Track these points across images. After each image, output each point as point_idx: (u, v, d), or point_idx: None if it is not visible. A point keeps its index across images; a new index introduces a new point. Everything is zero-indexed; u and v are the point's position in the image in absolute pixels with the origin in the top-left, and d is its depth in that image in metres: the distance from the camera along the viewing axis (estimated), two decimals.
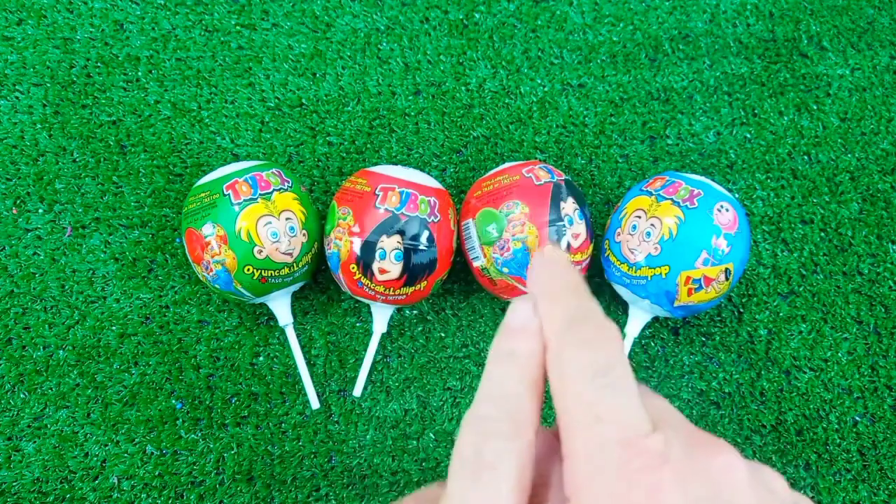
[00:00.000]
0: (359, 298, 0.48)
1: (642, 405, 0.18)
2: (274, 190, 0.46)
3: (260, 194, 0.45)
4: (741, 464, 0.18)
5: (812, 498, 0.49)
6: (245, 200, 0.45)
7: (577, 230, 0.46)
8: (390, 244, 0.45)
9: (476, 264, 0.48)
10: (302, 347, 0.52)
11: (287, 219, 0.46)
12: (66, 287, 0.52)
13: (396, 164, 0.54)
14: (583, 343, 0.19)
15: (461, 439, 0.19)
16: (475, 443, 0.19)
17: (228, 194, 0.45)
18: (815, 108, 0.57)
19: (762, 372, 0.51)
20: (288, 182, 0.47)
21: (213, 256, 0.45)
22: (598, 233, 0.53)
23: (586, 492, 0.17)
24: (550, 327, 0.20)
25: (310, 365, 0.51)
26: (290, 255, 0.46)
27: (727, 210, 0.45)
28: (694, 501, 0.16)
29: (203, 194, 0.46)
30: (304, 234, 0.47)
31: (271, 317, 0.52)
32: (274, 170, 0.48)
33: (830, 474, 0.50)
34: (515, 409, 0.19)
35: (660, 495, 0.16)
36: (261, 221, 0.45)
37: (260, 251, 0.45)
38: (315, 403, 0.50)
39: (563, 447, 0.18)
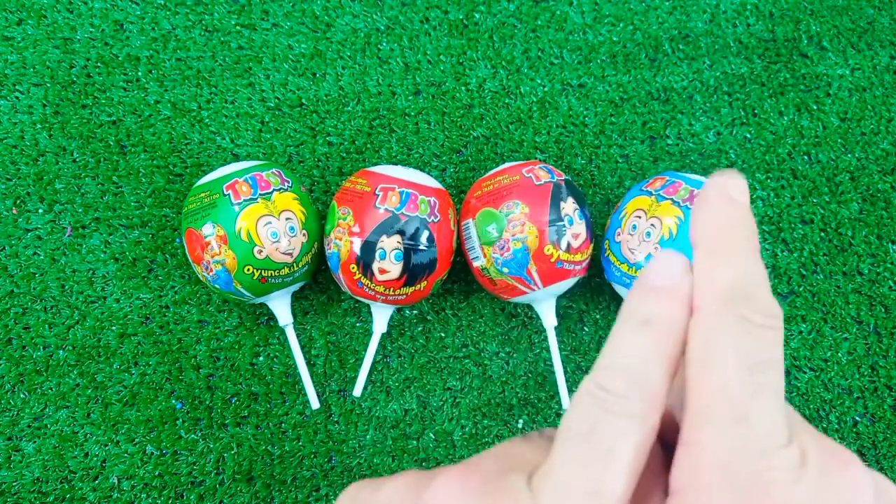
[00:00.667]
0: (359, 298, 0.48)
1: (786, 415, 0.16)
2: (274, 190, 0.46)
3: (260, 194, 0.45)
4: (869, 479, 0.16)
5: None
6: (245, 200, 0.45)
7: (577, 230, 0.46)
8: (390, 244, 0.45)
9: (476, 264, 0.48)
10: (302, 347, 0.52)
11: (287, 219, 0.46)
12: (66, 287, 0.52)
13: (396, 164, 0.54)
14: (747, 325, 0.16)
15: (577, 408, 0.17)
16: (593, 417, 0.16)
17: (228, 194, 0.45)
18: (815, 108, 0.57)
19: None
20: (288, 182, 0.47)
21: (213, 256, 0.45)
22: (598, 233, 0.53)
23: (706, 493, 0.15)
24: (710, 291, 0.16)
25: (310, 365, 0.51)
26: (290, 255, 0.46)
27: None
28: None
29: (203, 194, 0.46)
30: (304, 234, 0.47)
31: (271, 317, 0.52)
32: (274, 170, 0.48)
33: None
34: (647, 388, 0.16)
35: None
36: (261, 221, 0.45)
37: (260, 251, 0.45)
38: (315, 403, 0.50)
39: (683, 433, 0.16)
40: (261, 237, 0.45)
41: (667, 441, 0.19)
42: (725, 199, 0.17)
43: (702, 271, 0.17)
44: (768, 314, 0.16)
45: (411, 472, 0.19)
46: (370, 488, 0.19)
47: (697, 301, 0.17)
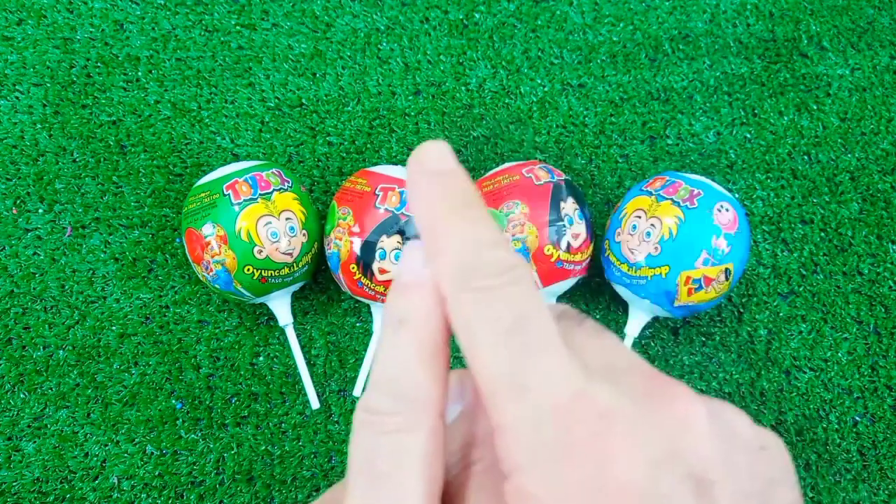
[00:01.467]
0: (359, 298, 0.48)
1: (571, 356, 0.15)
2: (274, 190, 0.46)
3: (260, 194, 0.45)
4: (701, 409, 0.15)
5: (812, 498, 0.49)
6: (245, 200, 0.45)
7: (577, 230, 0.46)
8: (390, 244, 0.45)
9: None
10: (302, 347, 0.52)
11: (287, 219, 0.46)
12: (66, 287, 0.52)
13: (396, 164, 0.54)
14: (485, 293, 0.15)
15: (353, 440, 0.16)
16: (368, 444, 0.16)
17: (228, 194, 0.45)
18: (815, 108, 0.57)
19: (762, 372, 0.51)
20: (288, 182, 0.47)
21: (213, 256, 0.45)
22: (598, 233, 0.53)
23: (527, 473, 0.14)
24: (442, 275, 0.16)
25: (310, 365, 0.51)
26: (290, 255, 0.46)
27: (727, 210, 0.45)
28: (650, 462, 0.14)
29: (203, 194, 0.46)
30: (304, 234, 0.47)
31: (271, 317, 0.52)
32: (274, 170, 0.48)
33: (830, 474, 0.50)
34: (410, 393, 0.16)
35: (610, 462, 0.14)
36: (261, 221, 0.45)
37: (260, 251, 0.45)
38: (315, 403, 0.50)
39: (491, 418, 0.15)
40: (261, 237, 0.45)
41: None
42: (423, 176, 0.16)
43: (430, 253, 0.16)
44: (500, 272, 0.15)
45: None
46: None
47: (441, 288, 0.16)
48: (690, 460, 0.15)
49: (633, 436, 0.14)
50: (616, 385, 0.15)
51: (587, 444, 0.14)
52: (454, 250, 0.16)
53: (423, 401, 0.16)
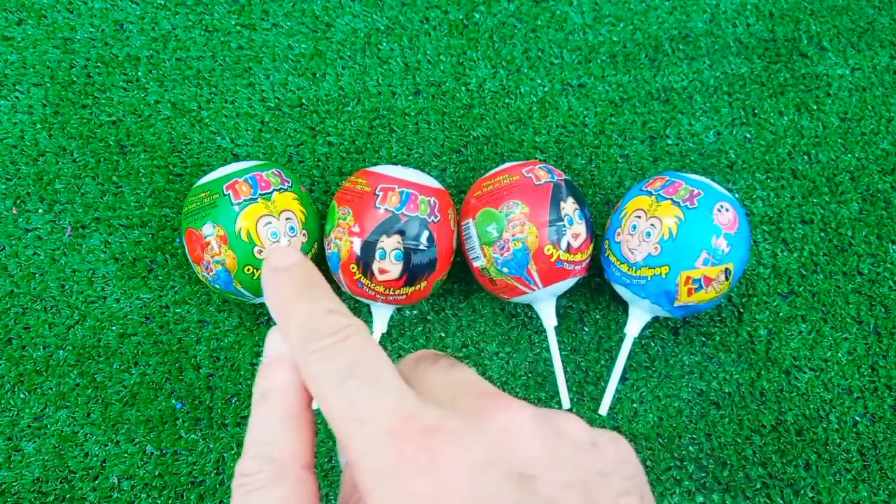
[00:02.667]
0: (359, 298, 0.48)
1: (403, 387, 0.17)
2: (274, 190, 0.46)
3: (260, 194, 0.45)
4: (524, 415, 0.17)
5: (812, 498, 0.49)
6: (245, 200, 0.45)
7: (577, 230, 0.46)
8: (390, 244, 0.45)
9: (476, 264, 0.48)
10: None
11: (287, 219, 0.46)
12: (66, 287, 0.52)
13: (396, 164, 0.54)
14: (322, 353, 0.18)
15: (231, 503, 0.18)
16: None
17: (228, 194, 0.45)
18: (815, 108, 0.57)
19: (762, 372, 0.51)
20: (288, 182, 0.47)
21: (213, 256, 0.45)
22: (598, 233, 0.53)
23: (376, 494, 0.16)
24: (293, 349, 0.19)
25: None
26: None
27: (727, 210, 0.45)
28: (473, 466, 0.16)
29: (203, 194, 0.46)
30: (304, 234, 0.47)
31: (271, 317, 0.52)
32: (274, 170, 0.48)
33: (830, 474, 0.50)
34: (274, 452, 0.18)
35: (438, 472, 0.16)
36: (261, 221, 0.45)
37: (260, 251, 0.45)
38: (315, 403, 0.50)
39: (347, 458, 0.18)
40: (261, 237, 0.45)
41: None
42: (270, 272, 0.20)
43: (283, 333, 0.19)
44: (333, 332, 0.18)
45: None
46: None
47: (294, 358, 0.19)
48: (512, 460, 0.17)
49: (457, 445, 0.16)
50: (447, 407, 0.17)
51: (417, 458, 0.16)
52: (296, 323, 0.19)
53: (284, 458, 0.18)
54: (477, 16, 0.58)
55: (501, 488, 0.16)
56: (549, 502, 0.16)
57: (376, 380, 0.17)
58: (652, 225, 0.45)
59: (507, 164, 0.49)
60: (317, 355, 0.18)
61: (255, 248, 0.45)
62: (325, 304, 0.19)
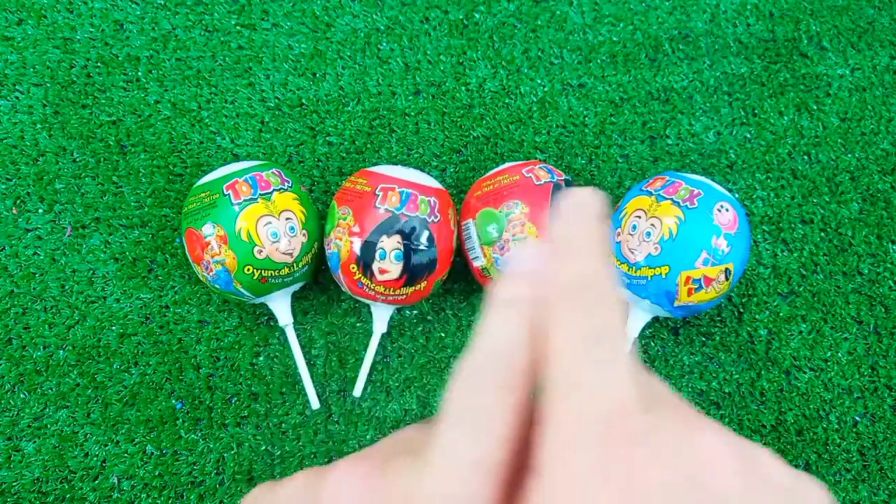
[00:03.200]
0: (359, 298, 0.48)
1: (632, 382, 0.17)
2: (274, 190, 0.46)
3: (260, 194, 0.45)
4: (725, 444, 0.17)
5: None
6: (245, 200, 0.45)
7: None
8: (390, 244, 0.45)
9: (476, 264, 0.48)
10: (302, 347, 0.52)
11: (287, 219, 0.46)
12: (66, 287, 0.52)
13: (396, 164, 0.54)
14: (581, 307, 0.18)
15: (453, 389, 0.18)
16: (468, 395, 0.18)
17: (228, 194, 0.45)
18: (815, 108, 0.57)
19: (762, 372, 0.51)
20: (288, 182, 0.47)
21: (213, 256, 0.45)
22: None
23: (559, 463, 0.16)
24: (553, 283, 0.19)
25: (310, 365, 0.51)
26: (290, 255, 0.46)
27: (727, 210, 0.45)
28: (673, 486, 0.15)
29: (203, 194, 0.46)
30: (304, 234, 0.47)
31: (271, 317, 0.52)
32: (274, 170, 0.48)
33: (830, 474, 0.50)
34: (512, 362, 0.18)
35: (634, 474, 0.15)
36: (261, 221, 0.45)
37: (260, 251, 0.45)
38: (315, 403, 0.50)
39: (542, 413, 0.17)
40: (261, 237, 0.45)
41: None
42: (576, 209, 0.20)
43: (553, 269, 0.19)
44: (604, 297, 0.18)
45: (309, 469, 0.20)
46: (269, 489, 0.21)
47: (548, 291, 0.19)
48: (708, 487, 0.16)
49: (661, 455, 0.16)
50: (652, 412, 0.17)
51: (618, 455, 0.15)
52: (576, 270, 0.19)
53: (519, 370, 0.18)
54: (477, 16, 0.58)
55: None
56: None
57: (614, 360, 0.17)
58: (652, 225, 0.45)
59: (507, 164, 0.49)
60: (574, 306, 0.18)
61: (255, 248, 0.45)
62: (604, 265, 0.19)
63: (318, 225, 0.49)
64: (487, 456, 0.17)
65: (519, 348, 0.18)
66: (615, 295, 0.18)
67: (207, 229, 0.45)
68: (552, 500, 0.16)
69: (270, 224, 0.45)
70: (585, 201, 0.20)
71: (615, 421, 0.16)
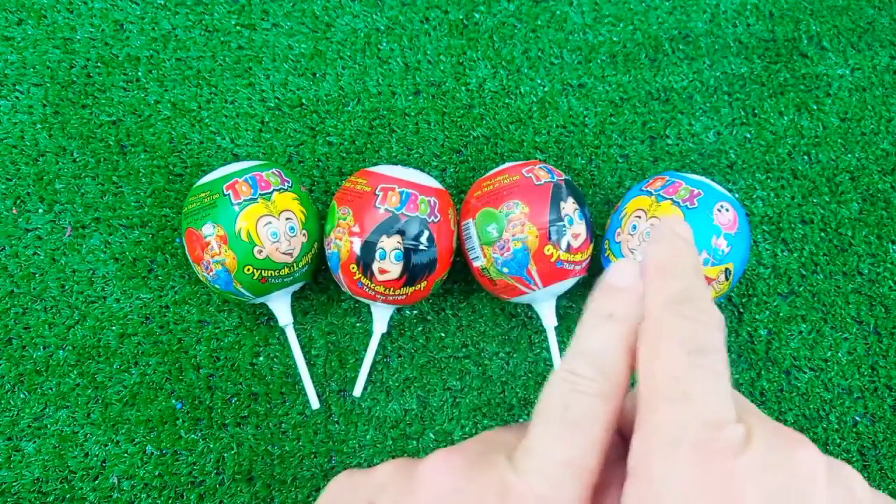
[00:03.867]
0: (359, 298, 0.48)
1: (731, 395, 0.17)
2: (274, 190, 0.46)
3: (260, 194, 0.45)
4: (821, 460, 0.17)
5: None
6: (245, 200, 0.45)
7: (577, 230, 0.46)
8: (390, 244, 0.45)
9: (476, 264, 0.48)
10: (302, 347, 0.52)
11: (287, 219, 0.46)
12: (66, 287, 0.52)
13: (396, 164, 0.54)
14: (687, 318, 0.18)
15: (550, 392, 0.19)
16: (565, 397, 0.18)
17: (228, 194, 0.45)
18: (815, 108, 0.57)
19: (762, 372, 0.51)
20: (288, 182, 0.47)
21: (213, 256, 0.45)
22: (598, 233, 0.53)
23: (656, 467, 0.16)
24: (656, 299, 0.19)
25: (310, 365, 0.51)
26: (290, 255, 0.46)
27: (727, 210, 0.45)
28: (768, 494, 0.16)
29: (203, 194, 0.46)
30: (304, 234, 0.47)
31: (271, 317, 0.52)
32: (274, 170, 0.48)
33: None
34: (611, 371, 0.19)
35: (734, 485, 0.16)
36: (261, 221, 0.45)
37: (260, 251, 0.45)
38: (315, 403, 0.50)
39: (638, 418, 0.18)
40: (261, 237, 0.45)
41: (625, 436, 0.21)
42: (674, 235, 0.21)
43: (652, 284, 0.20)
44: (706, 313, 0.19)
45: (398, 459, 0.21)
46: (362, 473, 0.22)
47: (648, 307, 0.20)
48: (806, 501, 0.16)
49: (760, 467, 0.16)
50: (752, 427, 0.17)
51: (719, 462, 0.16)
52: (680, 285, 0.20)
53: (616, 380, 0.19)
54: (477, 16, 0.58)
55: None
56: None
57: (718, 372, 0.17)
58: (652, 225, 0.45)
59: (507, 164, 0.49)
60: (683, 319, 0.18)
61: (255, 248, 0.45)
62: (705, 288, 0.20)
63: (318, 225, 0.49)
64: (580, 460, 0.18)
65: (618, 360, 0.19)
66: (716, 312, 0.19)
67: (207, 229, 0.45)
68: (651, 502, 0.16)
69: (270, 224, 0.45)
70: (679, 229, 0.21)
71: (717, 431, 0.16)
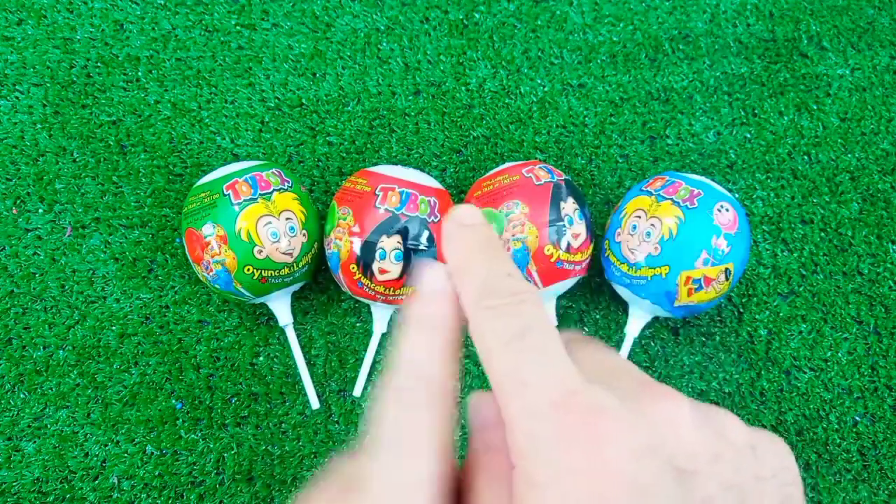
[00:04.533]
0: (359, 298, 0.48)
1: (569, 361, 0.17)
2: (274, 190, 0.46)
3: (260, 194, 0.45)
4: (686, 408, 0.17)
5: (812, 498, 0.49)
6: (245, 200, 0.45)
7: (577, 230, 0.46)
8: (390, 244, 0.45)
9: None
10: (302, 347, 0.52)
11: (287, 219, 0.46)
12: (66, 287, 0.52)
13: (396, 164, 0.54)
14: (494, 311, 0.18)
15: (378, 412, 0.19)
16: (394, 416, 0.18)
17: (228, 194, 0.45)
18: (815, 108, 0.57)
19: (762, 372, 0.51)
20: (288, 182, 0.47)
21: (212, 256, 0.45)
22: (598, 233, 0.53)
23: (528, 458, 0.16)
24: (466, 300, 0.19)
25: (310, 365, 0.51)
26: (290, 255, 0.46)
27: (727, 210, 0.45)
28: (636, 451, 0.16)
29: (203, 194, 0.46)
30: (303, 234, 0.47)
31: (271, 317, 0.52)
32: (274, 170, 0.48)
33: (830, 474, 0.50)
34: (429, 378, 0.19)
35: (600, 450, 0.16)
36: (261, 221, 0.45)
37: (260, 251, 0.45)
38: (315, 403, 0.50)
39: (502, 416, 0.18)
40: (261, 237, 0.45)
41: None
42: (460, 228, 0.21)
43: (458, 286, 0.20)
44: (510, 294, 0.19)
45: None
46: None
47: (464, 309, 0.19)
48: (673, 451, 0.17)
49: (620, 427, 0.16)
50: (608, 387, 0.17)
51: (579, 434, 0.16)
52: (475, 276, 0.19)
53: (437, 386, 0.19)
54: (477, 16, 0.58)
55: (661, 478, 0.16)
56: (704, 502, 0.16)
57: (544, 349, 0.17)
58: (652, 225, 0.45)
59: (507, 164, 0.49)
60: (490, 312, 0.18)
61: (256, 248, 0.45)
62: (504, 267, 0.20)
63: (318, 225, 0.49)
64: (426, 472, 0.17)
65: (440, 366, 0.19)
66: (520, 287, 0.19)
67: (207, 229, 0.45)
68: (533, 487, 0.16)
69: (270, 224, 0.45)
70: (464, 218, 0.21)
71: (568, 403, 0.16)
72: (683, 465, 0.17)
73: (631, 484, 0.15)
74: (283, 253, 0.46)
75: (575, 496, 0.15)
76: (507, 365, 0.17)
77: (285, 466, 0.50)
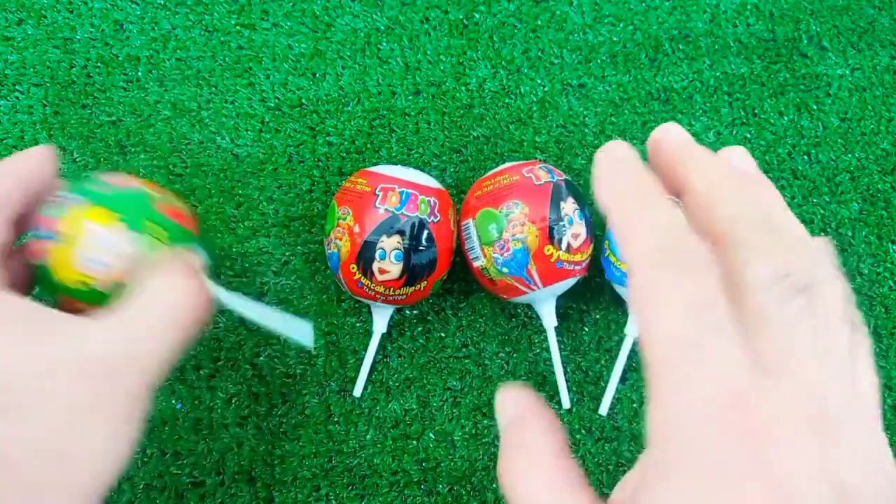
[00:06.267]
0: (359, 298, 0.48)
1: (751, 349, 0.15)
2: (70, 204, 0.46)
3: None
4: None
5: None
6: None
7: (577, 230, 0.46)
8: (390, 244, 0.45)
9: (476, 264, 0.48)
10: (302, 347, 0.52)
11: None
12: None
13: (396, 164, 0.54)
14: (679, 270, 0.16)
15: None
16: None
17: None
18: (815, 108, 0.57)
19: None
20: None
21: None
22: (598, 233, 0.53)
23: (680, 443, 0.14)
24: (634, 249, 0.17)
25: (310, 365, 0.51)
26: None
27: None
28: (808, 477, 0.14)
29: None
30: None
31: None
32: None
33: None
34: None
35: (764, 436, 0.14)
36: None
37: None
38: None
39: (651, 390, 0.15)
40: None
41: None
42: (616, 162, 0.18)
43: (622, 231, 0.17)
44: (696, 255, 0.16)
45: None
46: None
47: (629, 259, 0.17)
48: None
49: (793, 448, 0.15)
50: (773, 387, 0.15)
51: (741, 438, 0.14)
52: (655, 227, 0.17)
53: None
54: (477, 16, 0.58)
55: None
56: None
57: (728, 328, 0.15)
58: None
59: (507, 164, 0.49)
60: (671, 271, 0.16)
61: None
62: (681, 220, 0.17)
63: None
64: None
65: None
66: (706, 252, 0.16)
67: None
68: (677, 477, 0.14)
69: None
70: (618, 152, 0.19)
71: (746, 399, 0.15)
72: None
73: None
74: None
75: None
76: (688, 331, 0.15)
77: (285, 466, 0.50)
